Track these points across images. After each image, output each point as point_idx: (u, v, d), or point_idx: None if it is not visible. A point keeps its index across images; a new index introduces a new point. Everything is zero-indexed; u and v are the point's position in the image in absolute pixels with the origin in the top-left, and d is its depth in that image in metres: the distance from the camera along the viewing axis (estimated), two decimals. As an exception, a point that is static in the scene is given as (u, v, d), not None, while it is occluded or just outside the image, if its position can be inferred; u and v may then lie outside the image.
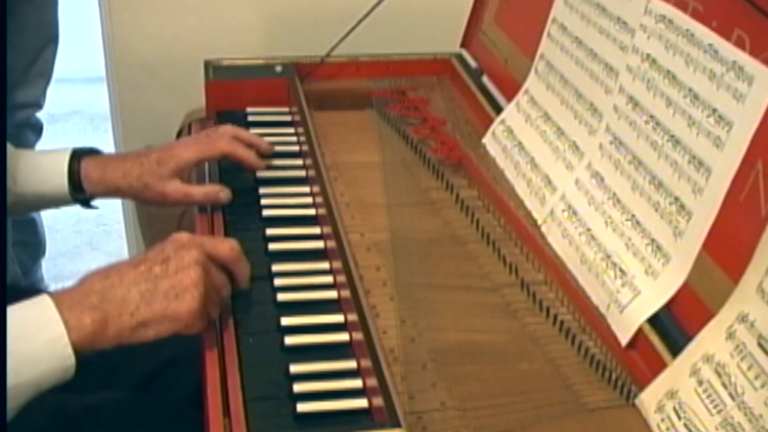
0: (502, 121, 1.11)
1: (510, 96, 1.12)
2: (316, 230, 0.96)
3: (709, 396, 0.70)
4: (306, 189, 1.03)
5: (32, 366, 0.70)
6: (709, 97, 0.78)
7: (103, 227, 2.33)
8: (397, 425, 0.69)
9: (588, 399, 0.79)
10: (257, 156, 1.02)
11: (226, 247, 0.82)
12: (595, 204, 0.91)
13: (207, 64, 1.21)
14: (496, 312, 0.89)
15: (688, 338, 0.74)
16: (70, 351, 0.71)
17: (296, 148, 1.12)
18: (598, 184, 0.92)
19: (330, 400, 0.75)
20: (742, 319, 0.69)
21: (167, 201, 0.98)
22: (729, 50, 0.76)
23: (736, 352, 0.69)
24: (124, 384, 0.98)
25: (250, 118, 1.18)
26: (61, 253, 2.21)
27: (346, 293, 0.85)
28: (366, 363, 0.77)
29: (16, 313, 0.71)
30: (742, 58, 0.74)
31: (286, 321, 0.83)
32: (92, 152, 1.02)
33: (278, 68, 1.23)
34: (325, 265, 0.91)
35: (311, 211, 1.00)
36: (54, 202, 1.02)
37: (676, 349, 0.75)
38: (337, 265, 0.89)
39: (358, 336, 0.80)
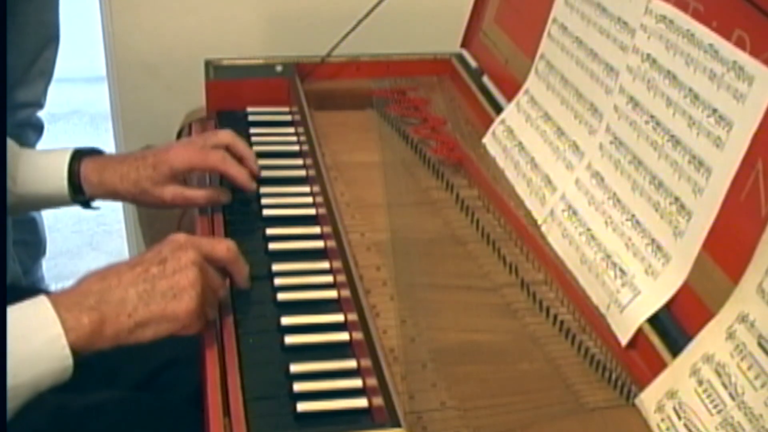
0: (503, 121, 1.12)
1: (510, 96, 1.12)
2: (317, 230, 0.96)
3: (709, 396, 0.70)
4: (306, 189, 1.03)
5: (30, 367, 0.71)
6: (709, 97, 0.78)
7: (104, 227, 2.33)
8: (397, 425, 0.69)
9: (588, 399, 0.79)
10: (249, 176, 0.99)
11: (223, 247, 0.82)
12: (595, 204, 0.91)
13: (207, 64, 1.21)
14: (496, 312, 0.89)
15: (688, 338, 0.74)
16: (68, 352, 0.71)
17: (296, 147, 1.12)
18: (598, 184, 0.92)
19: (330, 399, 0.75)
20: (742, 319, 0.69)
21: (167, 205, 0.98)
22: (729, 50, 0.76)
23: (736, 352, 0.69)
24: (124, 383, 0.98)
25: (251, 118, 1.18)
26: (61, 252, 2.21)
27: (346, 293, 0.85)
28: (366, 363, 0.77)
29: (14, 313, 0.71)
30: (743, 58, 0.74)
31: (286, 320, 0.83)
32: (93, 152, 1.02)
33: (279, 68, 1.23)
34: (325, 264, 0.91)
35: (311, 211, 1.00)
36: (54, 202, 1.02)
37: (676, 349, 0.75)
38: (338, 264, 0.89)
39: (358, 336, 0.80)
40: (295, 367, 0.78)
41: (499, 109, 1.14)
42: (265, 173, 1.04)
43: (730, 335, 0.70)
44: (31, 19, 1.51)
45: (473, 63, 1.27)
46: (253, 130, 1.15)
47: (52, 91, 1.67)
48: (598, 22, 0.96)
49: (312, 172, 1.04)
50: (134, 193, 0.98)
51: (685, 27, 0.82)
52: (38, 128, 1.70)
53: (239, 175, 0.98)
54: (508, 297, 0.91)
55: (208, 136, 1.00)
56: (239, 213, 1.00)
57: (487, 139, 1.13)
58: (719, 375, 0.69)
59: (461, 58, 1.29)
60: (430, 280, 0.92)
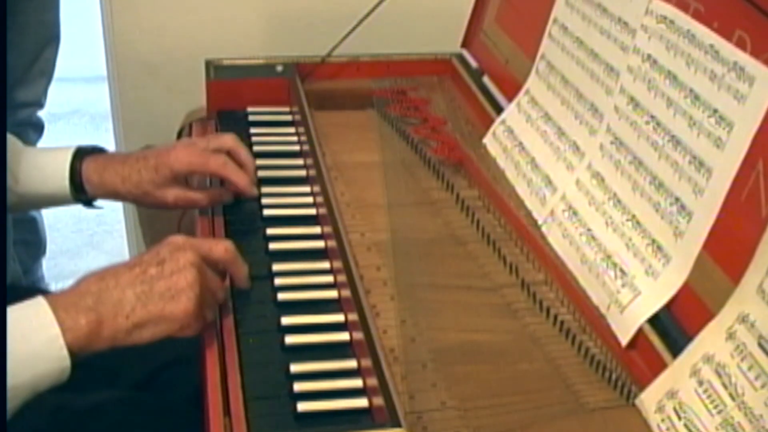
0: (503, 122, 1.12)
1: (511, 96, 1.12)
2: (317, 230, 0.96)
3: (709, 396, 0.70)
4: (306, 189, 1.03)
5: (28, 367, 0.70)
6: (709, 98, 0.78)
7: (104, 226, 2.33)
8: (397, 425, 0.69)
9: (588, 399, 0.79)
10: (249, 181, 0.98)
11: (221, 248, 0.82)
12: (596, 204, 0.91)
13: (208, 64, 1.21)
14: (497, 312, 0.89)
15: (689, 338, 0.74)
16: (65, 352, 0.71)
17: (297, 147, 1.12)
18: (598, 184, 0.92)
19: (330, 399, 0.75)
20: (743, 319, 0.69)
21: (169, 207, 0.98)
22: (730, 51, 0.76)
23: (737, 352, 0.69)
24: (124, 383, 0.98)
25: (251, 118, 1.18)
26: (61, 252, 2.21)
27: (346, 293, 0.85)
28: (366, 362, 0.77)
29: (12, 314, 0.71)
30: (743, 58, 0.74)
31: (286, 320, 0.83)
32: (95, 151, 1.01)
33: (279, 68, 1.23)
34: (325, 264, 0.91)
35: (312, 211, 1.00)
36: (56, 201, 1.02)
37: (676, 350, 0.75)
38: (338, 264, 0.89)
39: (358, 335, 0.80)
40: (295, 367, 0.78)
41: (499, 110, 1.14)
42: (265, 173, 1.04)
43: (731, 335, 0.70)
44: (32, 19, 1.51)
45: (474, 63, 1.27)
46: (253, 130, 1.15)
47: (53, 90, 1.67)
48: (599, 23, 0.96)
49: (312, 172, 1.04)
50: (136, 194, 0.98)
51: (685, 27, 0.82)
52: (38, 128, 1.70)
53: (240, 180, 0.97)
54: (509, 297, 0.91)
55: (211, 139, 0.99)
56: (239, 213, 1.00)
57: (487, 139, 1.13)
58: (719, 375, 0.69)
59: (462, 58, 1.29)
60: (430, 280, 0.92)
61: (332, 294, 0.88)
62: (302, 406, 0.74)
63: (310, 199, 1.02)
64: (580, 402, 0.79)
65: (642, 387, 0.78)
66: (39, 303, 0.73)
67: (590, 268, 0.88)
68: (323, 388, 0.76)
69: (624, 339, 0.82)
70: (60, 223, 2.27)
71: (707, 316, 0.73)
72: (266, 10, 1.44)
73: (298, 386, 0.76)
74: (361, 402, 0.76)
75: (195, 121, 1.21)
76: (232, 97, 1.19)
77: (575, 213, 0.93)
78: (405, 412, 0.71)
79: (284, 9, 1.44)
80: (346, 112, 1.23)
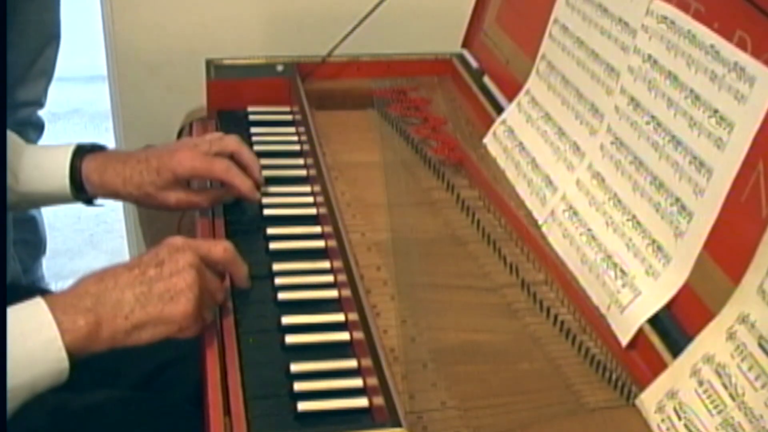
0: (503, 122, 1.12)
1: (511, 96, 1.12)
2: (317, 229, 0.96)
3: (709, 396, 0.70)
4: (307, 188, 1.03)
5: (26, 369, 0.70)
6: (710, 98, 0.78)
7: (104, 226, 2.33)
8: (398, 425, 0.69)
9: (588, 399, 0.79)
10: (253, 186, 0.98)
11: (220, 249, 0.82)
12: (596, 204, 0.91)
13: (208, 64, 1.21)
14: (497, 312, 0.89)
15: (689, 339, 0.74)
16: (64, 354, 0.71)
17: (297, 147, 1.12)
18: (599, 184, 0.92)
19: (330, 399, 0.75)
20: (743, 319, 0.69)
21: (170, 209, 0.98)
22: (730, 51, 0.76)
23: (737, 352, 0.69)
24: (124, 383, 0.98)
25: (251, 118, 1.18)
26: (61, 251, 2.21)
27: (346, 292, 0.85)
28: (366, 362, 0.77)
29: (10, 315, 0.71)
30: (744, 59, 0.74)
31: (286, 320, 0.83)
32: (95, 149, 1.00)
33: (279, 68, 1.23)
34: (325, 264, 0.91)
35: (312, 211, 1.00)
36: (57, 200, 1.01)
37: (676, 350, 0.75)
38: (338, 264, 0.89)
39: (358, 335, 0.80)
40: (295, 367, 0.78)
41: (499, 110, 1.14)
42: (265, 173, 1.04)
43: (731, 336, 0.70)
44: (32, 18, 1.51)
45: (474, 63, 1.27)
46: (253, 130, 1.15)
47: (53, 90, 1.67)
48: (599, 23, 0.96)
49: (313, 172, 1.04)
50: (137, 196, 0.97)
51: (686, 28, 0.82)
52: (39, 127, 1.70)
53: (243, 185, 0.97)
54: (509, 297, 0.91)
55: (214, 142, 0.98)
56: (240, 213, 1.00)
57: (487, 140, 1.13)
58: (719, 375, 0.69)
59: (462, 58, 1.29)
60: (430, 280, 0.92)
61: (332, 294, 0.88)
62: (302, 406, 0.74)
63: (310, 199, 1.02)
64: (580, 402, 0.79)
65: (642, 387, 0.78)
66: (37, 304, 0.72)
67: (590, 268, 0.88)
68: (323, 387, 0.76)
69: (624, 339, 0.82)
70: (60, 223, 2.27)
71: (707, 316, 0.73)
72: (267, 9, 1.44)
73: (299, 386, 0.76)
74: (362, 402, 0.76)
75: (195, 121, 1.21)
76: (233, 97, 1.19)
77: (575, 213, 0.93)
78: (405, 412, 0.71)
79: (285, 9, 1.44)
80: (347, 112, 1.23)
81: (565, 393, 0.80)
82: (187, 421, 0.88)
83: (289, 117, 1.18)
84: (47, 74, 1.63)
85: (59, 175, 0.98)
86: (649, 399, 0.76)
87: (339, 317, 0.84)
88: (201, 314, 0.78)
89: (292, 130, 1.15)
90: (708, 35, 0.79)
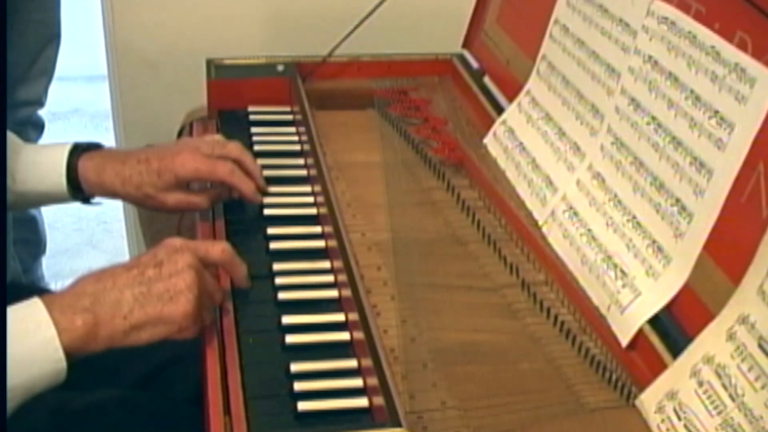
0: (504, 122, 1.12)
1: (511, 97, 1.12)
2: (317, 229, 0.96)
3: (709, 397, 0.70)
4: (307, 188, 1.03)
5: (24, 369, 0.70)
6: (710, 99, 0.78)
7: (104, 225, 2.33)
8: (398, 424, 0.69)
9: (588, 399, 0.79)
10: (256, 190, 0.98)
11: (218, 249, 0.82)
12: (596, 205, 0.91)
13: (209, 63, 1.21)
14: (497, 312, 0.90)
15: (689, 339, 0.74)
16: (61, 354, 0.71)
17: (297, 147, 1.12)
18: (599, 185, 0.92)
19: (331, 399, 0.75)
20: (743, 320, 0.69)
21: (168, 210, 0.98)
22: (731, 52, 0.76)
23: (737, 353, 0.69)
24: (124, 382, 0.98)
25: (252, 117, 1.18)
26: (61, 251, 2.21)
27: (347, 292, 0.85)
28: (367, 362, 0.77)
29: (7, 315, 0.70)
30: (744, 60, 0.75)
31: (286, 320, 0.83)
32: (92, 147, 0.99)
33: (280, 67, 1.23)
34: (326, 264, 0.91)
35: (312, 211, 1.00)
36: (54, 199, 1.01)
37: (676, 350, 0.75)
38: (338, 264, 0.89)
39: (358, 335, 0.80)
40: (295, 367, 0.78)
41: (500, 110, 1.14)
42: (266, 173, 1.04)
43: (731, 336, 0.70)
44: (33, 18, 1.51)
45: (474, 63, 1.27)
46: (254, 130, 1.15)
47: (53, 89, 1.67)
48: (600, 23, 0.96)
49: (313, 172, 1.04)
50: (136, 196, 0.96)
51: (686, 29, 0.82)
52: (39, 127, 1.70)
53: (247, 189, 0.97)
54: (509, 297, 0.91)
55: (216, 146, 0.98)
56: (240, 213, 1.00)
57: (488, 140, 1.13)
58: (719, 376, 0.69)
59: (462, 59, 1.29)
60: (430, 280, 0.92)
61: (333, 293, 0.88)
62: (302, 406, 0.74)
63: (310, 199, 1.02)
64: (580, 402, 0.79)
65: (642, 387, 0.78)
66: (35, 304, 0.72)
67: (591, 268, 0.88)
68: (323, 387, 0.76)
69: (624, 339, 0.82)
70: (60, 222, 2.27)
71: (707, 316, 0.73)
72: (267, 9, 1.44)
73: (299, 385, 0.76)
74: (362, 401, 0.76)
75: (196, 121, 1.20)
76: (233, 97, 1.19)
77: (576, 213, 0.93)
78: (405, 412, 0.71)
79: (285, 8, 1.44)
80: (347, 112, 1.23)
81: (565, 393, 0.80)
82: (187, 421, 0.88)
83: (289, 117, 1.18)
84: (47, 74, 1.63)
85: (56, 174, 0.97)
86: (649, 399, 0.76)
87: (339, 317, 0.84)
88: (200, 315, 0.78)
89: (292, 130, 1.15)
90: (708, 36, 0.79)
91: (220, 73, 1.20)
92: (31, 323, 0.71)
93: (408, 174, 1.10)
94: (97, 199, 1.02)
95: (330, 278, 0.89)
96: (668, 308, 0.79)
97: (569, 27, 1.03)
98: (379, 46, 1.28)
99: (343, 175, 1.08)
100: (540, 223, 0.98)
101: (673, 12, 0.85)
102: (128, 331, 0.74)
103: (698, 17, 0.82)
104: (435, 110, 1.23)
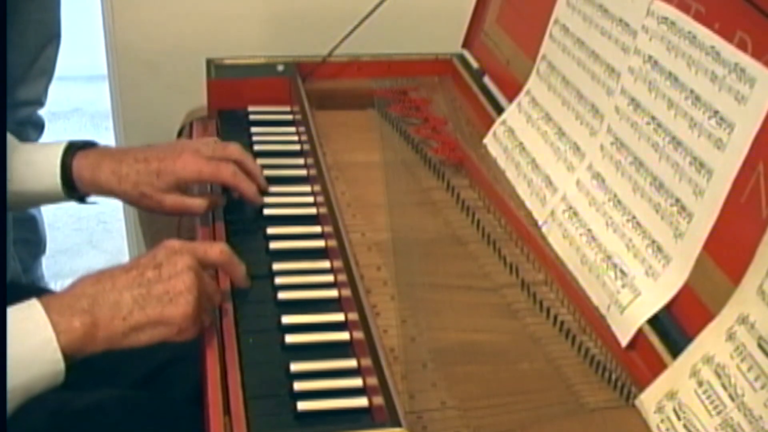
0: (504, 122, 1.12)
1: (511, 97, 1.12)
2: (317, 229, 0.96)
3: (708, 397, 0.70)
4: (307, 188, 1.03)
5: (22, 370, 0.70)
6: (710, 99, 0.78)
7: (104, 225, 2.33)
8: (397, 424, 0.69)
9: (588, 399, 0.79)
10: (257, 191, 0.98)
11: (216, 251, 0.82)
12: (596, 205, 0.91)
13: (209, 63, 1.21)
14: (497, 312, 0.90)
15: (689, 339, 0.74)
16: (59, 356, 0.71)
17: (297, 147, 1.12)
18: (599, 185, 0.92)
19: (330, 398, 0.75)
20: (743, 320, 0.69)
21: (165, 211, 0.97)
22: (731, 52, 0.76)
23: (736, 353, 0.69)
24: (124, 382, 0.98)
25: (252, 117, 1.18)
26: (61, 250, 2.21)
27: (346, 292, 0.85)
28: (366, 362, 0.77)
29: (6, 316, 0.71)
30: (744, 60, 0.75)
31: (286, 319, 0.84)
32: (87, 146, 0.98)
33: (280, 67, 1.23)
34: (325, 264, 0.91)
35: (312, 210, 1.00)
36: (49, 199, 1.00)
37: (676, 350, 0.75)
38: (338, 264, 0.89)
39: (358, 335, 0.80)
40: (295, 366, 0.78)
41: (500, 110, 1.14)
42: (266, 172, 1.04)
43: (730, 336, 0.70)
44: (33, 18, 1.51)
45: (474, 63, 1.27)
46: (254, 130, 1.15)
47: (53, 89, 1.67)
48: (600, 23, 0.96)
49: (313, 172, 1.04)
50: (132, 195, 0.95)
51: (686, 29, 0.82)
52: (39, 126, 1.70)
53: (249, 190, 0.97)
54: (509, 297, 0.91)
55: (216, 148, 0.98)
56: (240, 212, 1.00)
57: (488, 140, 1.13)
58: (719, 376, 0.69)
59: (462, 59, 1.29)
60: (430, 280, 0.92)
61: (332, 293, 0.88)
62: (302, 405, 0.74)
63: (310, 199, 1.02)
64: (580, 402, 0.79)
65: (642, 387, 0.78)
66: (33, 305, 0.72)
67: (590, 268, 0.88)
68: (323, 387, 0.76)
69: (624, 339, 0.82)
70: (60, 222, 2.27)
71: (707, 316, 0.73)
72: (267, 9, 1.44)
73: (298, 385, 0.76)
74: (361, 401, 0.76)
75: (196, 120, 1.20)
76: (233, 97, 1.19)
77: (575, 213, 0.94)
78: (405, 412, 0.71)
79: (285, 8, 1.44)
80: (347, 112, 1.23)
81: (564, 393, 0.80)
82: (186, 421, 0.88)
83: (289, 117, 1.18)
84: (47, 73, 1.63)
85: (50, 173, 0.96)
86: (648, 399, 0.76)
87: (339, 317, 0.84)
88: (200, 316, 0.78)
89: (292, 129, 1.15)
90: (708, 36, 0.79)
91: (220, 73, 1.20)
92: (30, 324, 0.71)
93: (408, 174, 1.10)
94: (93, 198, 1.01)
95: (330, 278, 0.89)
96: (668, 308, 0.79)
97: (569, 27, 1.03)
98: (379, 46, 1.28)
99: (342, 175, 1.08)
100: (539, 223, 0.98)
101: (673, 12, 0.85)
102: (127, 333, 0.74)
103: (698, 17, 0.82)
104: (435, 110, 1.23)
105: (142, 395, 0.98)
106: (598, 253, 0.88)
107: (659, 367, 0.76)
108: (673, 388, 0.73)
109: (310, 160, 1.06)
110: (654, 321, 0.80)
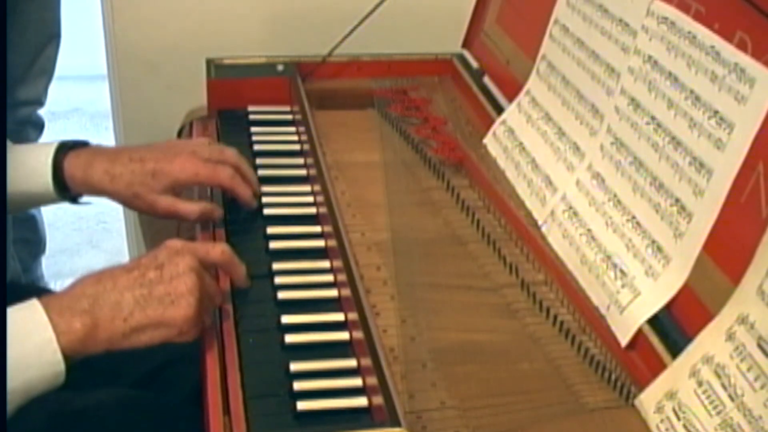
0: (503, 122, 1.12)
1: (511, 96, 1.12)
2: (317, 229, 0.96)
3: (708, 397, 0.70)
4: (307, 188, 1.03)
5: (22, 371, 0.69)
6: (710, 99, 0.78)
7: (103, 225, 2.33)
8: (397, 424, 0.69)
9: (588, 399, 0.79)
10: (252, 195, 0.98)
11: (217, 251, 0.82)
12: (596, 205, 0.91)
13: (209, 63, 1.21)
14: (497, 312, 0.90)
15: (688, 339, 0.74)
16: (59, 357, 0.70)
17: (297, 147, 1.12)
18: (598, 185, 0.92)
19: (330, 398, 0.75)
20: (742, 320, 0.69)
21: (157, 214, 0.95)
22: (731, 52, 0.76)
23: (736, 353, 0.69)
24: (124, 382, 0.98)
25: (252, 117, 1.18)
26: (61, 250, 2.21)
27: (346, 292, 0.85)
28: (366, 362, 0.77)
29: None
30: (744, 60, 0.75)
31: (286, 319, 0.83)
32: (79, 145, 0.97)
33: (280, 67, 1.23)
34: (325, 263, 0.91)
35: (312, 210, 1.00)
36: (42, 200, 0.98)
37: (675, 350, 0.75)
38: (338, 263, 0.89)
39: (358, 335, 0.80)
40: (295, 366, 0.78)
41: (500, 110, 1.14)
42: (266, 172, 1.04)
43: (730, 336, 0.70)
44: (32, 17, 1.51)
45: (474, 63, 1.27)
46: (254, 129, 1.15)
47: (53, 88, 1.67)
48: (600, 23, 0.96)
49: (313, 172, 1.04)
50: (125, 195, 0.94)
51: (686, 29, 0.82)
52: (39, 126, 1.70)
53: (245, 194, 0.96)
54: (509, 297, 0.91)
55: (213, 151, 0.97)
56: (240, 212, 0.99)
57: (487, 140, 1.13)
58: (719, 376, 0.70)
59: (462, 59, 1.29)
60: (430, 279, 0.92)
61: (332, 293, 0.88)
62: (302, 405, 0.74)
63: (310, 198, 1.02)
64: (579, 402, 0.79)
65: (641, 387, 0.78)
66: (33, 306, 0.72)
67: (590, 268, 0.88)
68: (323, 387, 0.76)
69: (624, 339, 0.82)
70: (60, 222, 2.27)
71: (707, 316, 0.73)
72: (267, 9, 1.44)
73: (298, 385, 0.76)
74: (361, 401, 0.76)
75: (195, 120, 1.20)
76: (233, 96, 1.19)
77: (575, 213, 0.94)
78: (404, 412, 0.71)
79: (285, 8, 1.44)
80: (347, 112, 1.23)
81: (564, 393, 0.80)
82: (186, 421, 0.88)
83: (289, 117, 1.18)
84: (47, 73, 1.63)
85: (42, 173, 0.94)
86: (648, 399, 0.76)
87: (339, 317, 0.84)
88: (201, 318, 0.78)
89: (292, 129, 1.15)
90: (708, 36, 0.79)
91: (220, 73, 1.20)
92: (29, 325, 0.71)
93: (408, 174, 1.10)
94: (86, 199, 0.99)
95: (329, 278, 0.89)
96: (668, 308, 0.79)
97: (569, 27, 1.03)
98: (379, 46, 1.28)
99: (342, 175, 1.08)
100: (539, 222, 0.98)
101: (672, 12, 0.85)
102: (128, 334, 0.74)
103: (698, 17, 0.82)
104: (435, 110, 1.23)
105: (142, 395, 0.98)
106: (597, 253, 0.88)
107: (659, 367, 0.76)
108: (673, 388, 0.73)
109: (309, 160, 1.06)
110: (654, 321, 0.80)
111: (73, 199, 0.99)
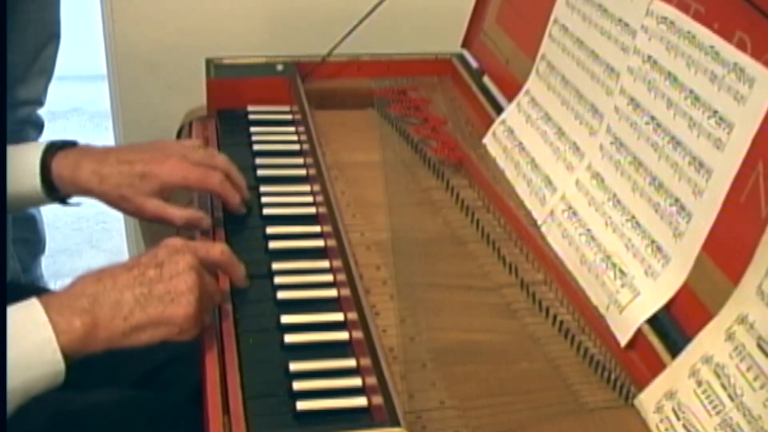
0: (503, 122, 1.12)
1: (511, 96, 1.12)
2: (317, 229, 0.96)
3: (708, 397, 0.70)
4: (306, 188, 1.03)
5: (21, 371, 0.69)
6: (710, 99, 0.78)
7: (103, 225, 2.33)
8: (397, 424, 0.69)
9: (587, 399, 0.79)
10: (241, 202, 0.97)
11: (217, 251, 0.82)
12: (596, 205, 0.91)
13: (208, 63, 1.21)
14: (496, 312, 0.90)
15: (688, 339, 0.74)
16: (59, 356, 0.70)
17: (297, 146, 1.12)
18: (598, 184, 0.92)
19: (330, 398, 0.75)
20: (742, 320, 0.69)
21: (144, 216, 0.94)
22: (730, 52, 0.76)
23: (736, 353, 0.69)
24: (123, 382, 0.98)
25: (251, 117, 1.18)
26: (60, 250, 2.21)
27: (346, 292, 0.85)
28: (366, 362, 0.77)
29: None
30: (744, 59, 0.75)
31: (286, 319, 0.83)
32: (67, 145, 0.96)
33: (279, 67, 1.23)
34: (325, 263, 0.91)
35: (312, 210, 1.00)
36: (31, 201, 0.97)
37: (675, 350, 0.75)
38: (338, 263, 0.89)
39: (357, 334, 0.80)
40: (294, 366, 0.78)
41: (499, 110, 1.14)
42: (265, 172, 1.04)
43: (730, 336, 0.70)
44: (32, 17, 1.51)
45: (474, 63, 1.27)
46: (253, 129, 1.15)
47: (53, 88, 1.67)
48: (599, 23, 0.96)
49: (312, 171, 1.04)
50: (112, 196, 0.93)
51: (686, 28, 0.82)
52: (38, 126, 1.70)
53: (234, 200, 0.96)
54: (508, 297, 0.91)
55: (204, 155, 0.96)
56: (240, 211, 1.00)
57: (487, 140, 1.13)
58: (718, 376, 0.70)
59: (462, 58, 1.29)
60: (430, 279, 0.92)
61: (332, 293, 0.88)
62: (301, 405, 0.74)
63: (310, 198, 1.02)
64: (579, 402, 0.79)
65: (641, 387, 0.78)
66: (32, 305, 0.72)
67: (590, 268, 0.88)
68: (322, 386, 0.76)
69: (623, 339, 0.82)
70: (59, 222, 2.27)
71: (706, 316, 0.73)
72: (267, 9, 1.45)
73: (298, 385, 0.76)
74: (361, 401, 0.76)
75: (195, 120, 1.20)
76: (233, 96, 1.19)
77: (575, 213, 0.94)
78: (404, 412, 0.71)
79: (285, 8, 1.44)
80: (347, 112, 1.23)
81: (564, 393, 0.80)
82: (186, 421, 0.88)
83: (289, 116, 1.18)
84: (47, 73, 1.63)
85: (30, 174, 0.93)
86: (647, 399, 0.76)
87: (338, 316, 0.84)
88: (201, 316, 0.78)
89: (292, 129, 1.15)
90: (708, 36, 0.79)
91: (219, 73, 1.20)
92: (29, 324, 0.71)
93: (407, 174, 1.10)
94: (76, 200, 0.98)
95: (329, 278, 0.89)
96: (667, 308, 0.79)
97: (569, 27, 1.03)
98: (378, 46, 1.28)
99: (342, 175, 1.08)
100: (539, 222, 0.98)
101: (672, 12, 0.85)
102: (128, 333, 0.74)
103: (697, 17, 0.82)
104: (434, 110, 1.23)
105: (142, 395, 0.98)
106: (597, 253, 0.88)
107: (658, 366, 0.76)
108: (673, 388, 0.73)
109: (309, 160, 1.06)
110: (653, 321, 0.80)
111: (62, 200, 0.98)
